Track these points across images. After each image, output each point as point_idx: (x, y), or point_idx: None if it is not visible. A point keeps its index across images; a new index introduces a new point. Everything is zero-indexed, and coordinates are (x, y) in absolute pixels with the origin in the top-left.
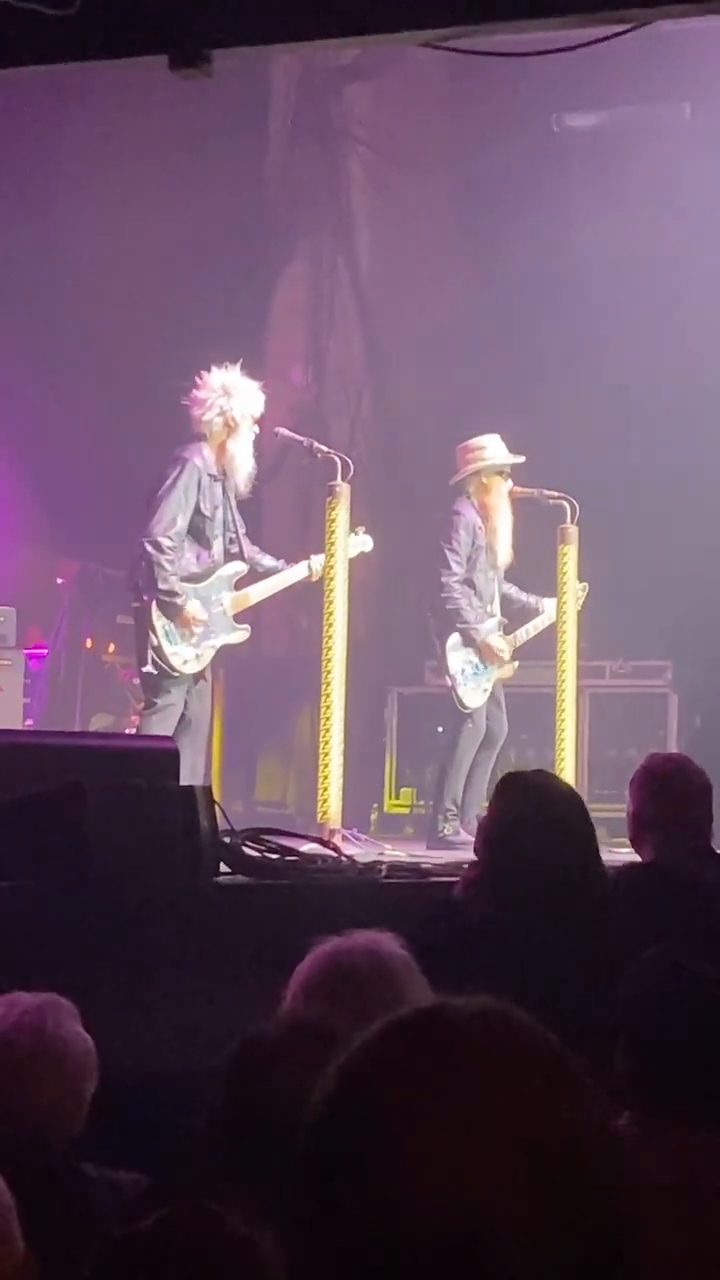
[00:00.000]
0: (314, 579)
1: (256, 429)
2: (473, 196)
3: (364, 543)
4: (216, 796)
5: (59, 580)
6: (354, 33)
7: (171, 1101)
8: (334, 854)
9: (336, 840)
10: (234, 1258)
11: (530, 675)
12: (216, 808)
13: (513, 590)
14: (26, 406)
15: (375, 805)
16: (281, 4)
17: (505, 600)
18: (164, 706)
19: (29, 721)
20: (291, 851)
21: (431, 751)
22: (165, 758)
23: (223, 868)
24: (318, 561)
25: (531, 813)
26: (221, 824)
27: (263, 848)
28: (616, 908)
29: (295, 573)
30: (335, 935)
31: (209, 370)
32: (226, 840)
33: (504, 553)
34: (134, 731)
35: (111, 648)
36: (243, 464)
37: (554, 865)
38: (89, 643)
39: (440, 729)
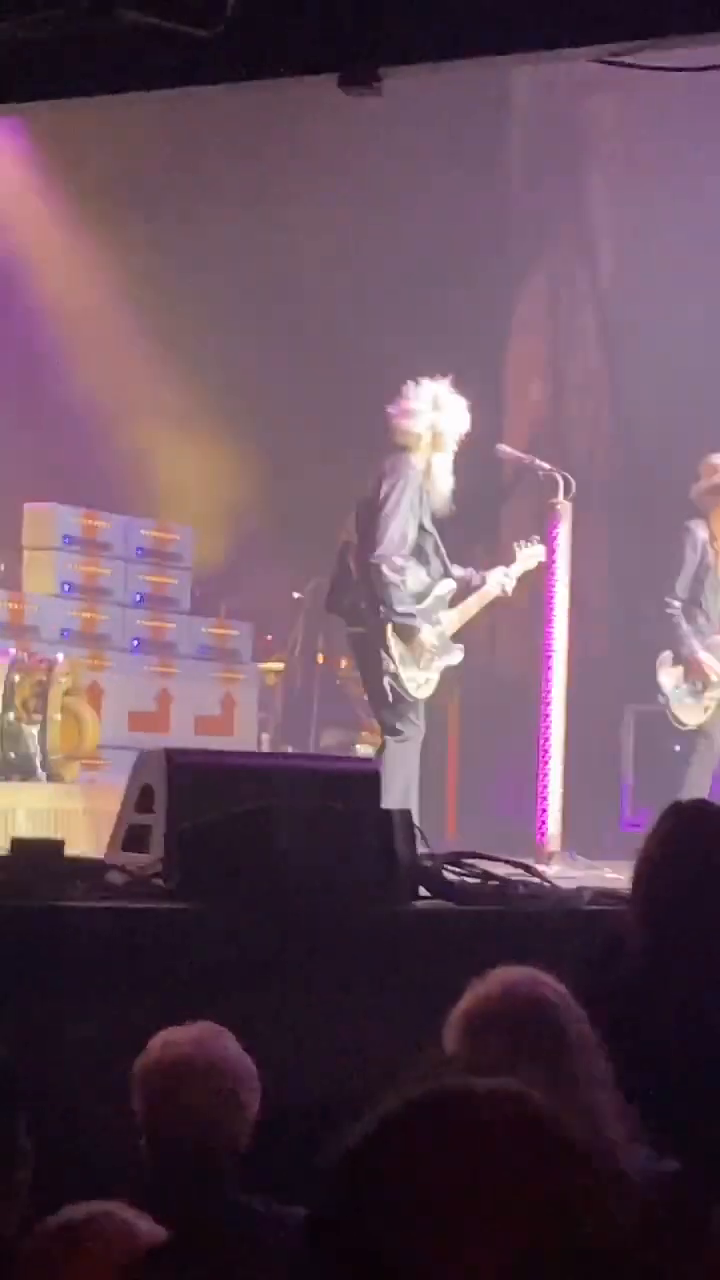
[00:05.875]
0: (506, 594)
1: (455, 448)
2: (716, 210)
3: (537, 553)
4: (450, 811)
5: (295, 595)
6: (524, 49)
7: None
8: (536, 879)
9: (556, 862)
10: None
11: None
12: (417, 832)
13: None
14: (262, 421)
15: (611, 825)
16: (449, 20)
17: None
18: (410, 736)
19: (264, 735)
20: (493, 875)
21: (670, 770)
22: (365, 780)
23: (422, 892)
24: (500, 575)
25: (687, 847)
26: (425, 849)
27: (463, 871)
28: None
29: (490, 591)
30: (494, 971)
31: (417, 382)
32: (428, 864)
33: None
34: (370, 750)
35: (344, 663)
36: (443, 482)
37: (710, 910)
38: (321, 657)
39: (677, 747)
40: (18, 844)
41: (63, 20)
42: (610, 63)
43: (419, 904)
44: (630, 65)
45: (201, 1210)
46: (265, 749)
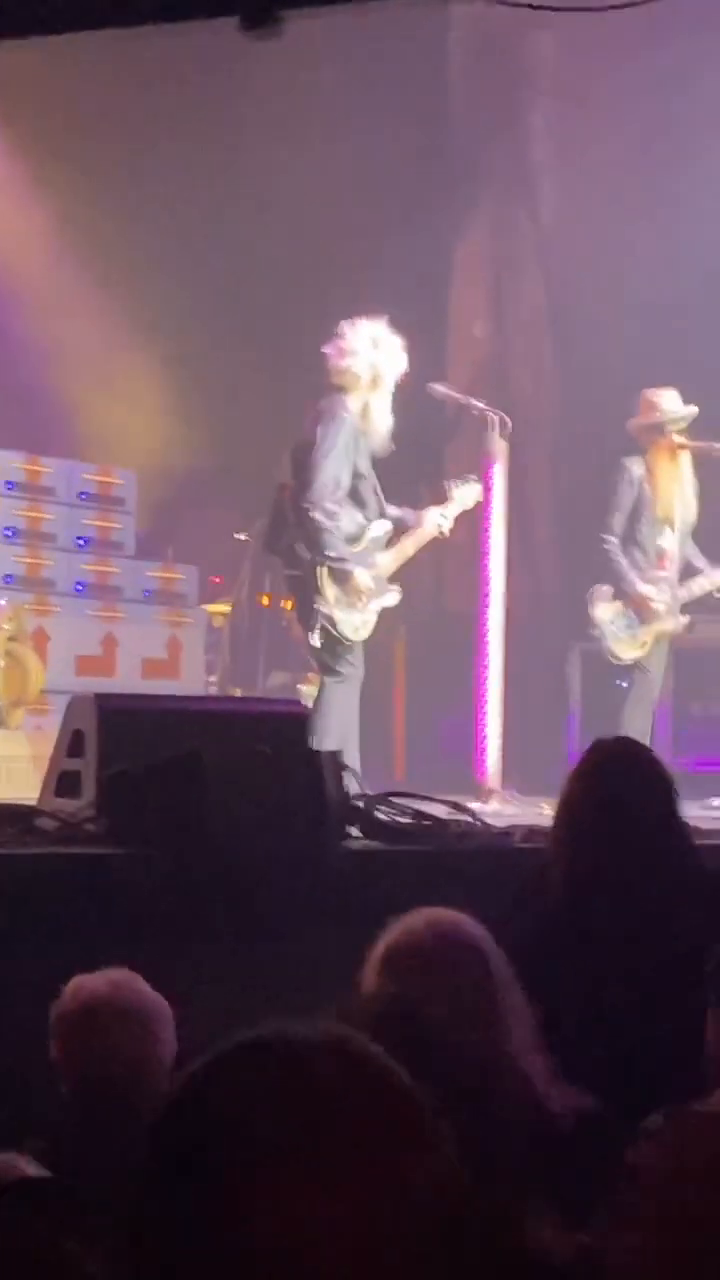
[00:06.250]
0: (444, 534)
1: (393, 387)
2: (658, 146)
3: (473, 492)
4: (399, 751)
5: (239, 536)
6: None
7: None
8: (468, 817)
9: (494, 800)
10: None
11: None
12: (349, 772)
13: (692, 553)
14: (203, 363)
15: (558, 761)
16: None
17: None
18: (348, 677)
19: (210, 678)
20: (425, 815)
21: (617, 706)
22: (294, 722)
23: (354, 832)
24: (436, 515)
25: (605, 785)
26: (356, 789)
27: (396, 811)
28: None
29: (427, 531)
30: (414, 911)
31: (352, 322)
32: (359, 805)
33: (680, 509)
34: (312, 691)
35: (289, 604)
36: (381, 422)
37: (627, 847)
38: (266, 599)
39: (622, 684)
40: None
41: None
42: (506, 2)
43: (349, 844)
44: (528, 5)
45: (118, 1152)
46: (212, 692)
